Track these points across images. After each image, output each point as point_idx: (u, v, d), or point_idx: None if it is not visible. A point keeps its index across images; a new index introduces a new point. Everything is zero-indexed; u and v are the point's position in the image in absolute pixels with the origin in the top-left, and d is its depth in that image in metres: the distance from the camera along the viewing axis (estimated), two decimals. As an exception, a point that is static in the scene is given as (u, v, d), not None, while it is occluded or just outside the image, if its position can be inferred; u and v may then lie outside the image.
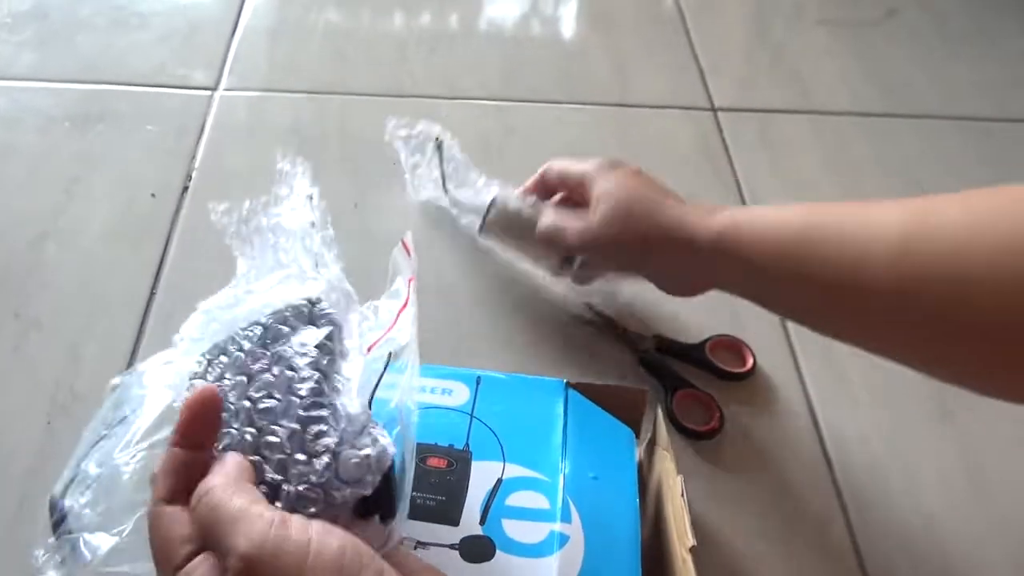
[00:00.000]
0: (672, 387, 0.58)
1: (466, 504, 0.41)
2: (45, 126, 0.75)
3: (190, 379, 0.35)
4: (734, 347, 0.61)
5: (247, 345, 0.35)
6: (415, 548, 0.39)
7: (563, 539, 0.39)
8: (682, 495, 0.41)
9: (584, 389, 0.47)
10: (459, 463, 0.43)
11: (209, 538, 0.28)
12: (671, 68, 0.87)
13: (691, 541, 0.39)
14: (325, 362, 0.34)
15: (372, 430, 0.32)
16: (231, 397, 0.33)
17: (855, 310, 0.41)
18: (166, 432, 0.34)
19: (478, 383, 0.47)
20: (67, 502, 0.33)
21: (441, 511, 0.40)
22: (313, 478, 0.30)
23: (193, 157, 0.73)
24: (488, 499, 0.41)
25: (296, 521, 0.27)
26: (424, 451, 0.43)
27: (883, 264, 0.38)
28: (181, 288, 0.63)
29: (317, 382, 0.32)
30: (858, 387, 0.59)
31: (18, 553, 0.48)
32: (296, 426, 0.31)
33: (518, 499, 0.41)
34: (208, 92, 0.80)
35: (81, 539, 0.32)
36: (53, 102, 0.78)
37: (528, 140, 0.77)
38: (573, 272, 0.59)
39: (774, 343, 0.62)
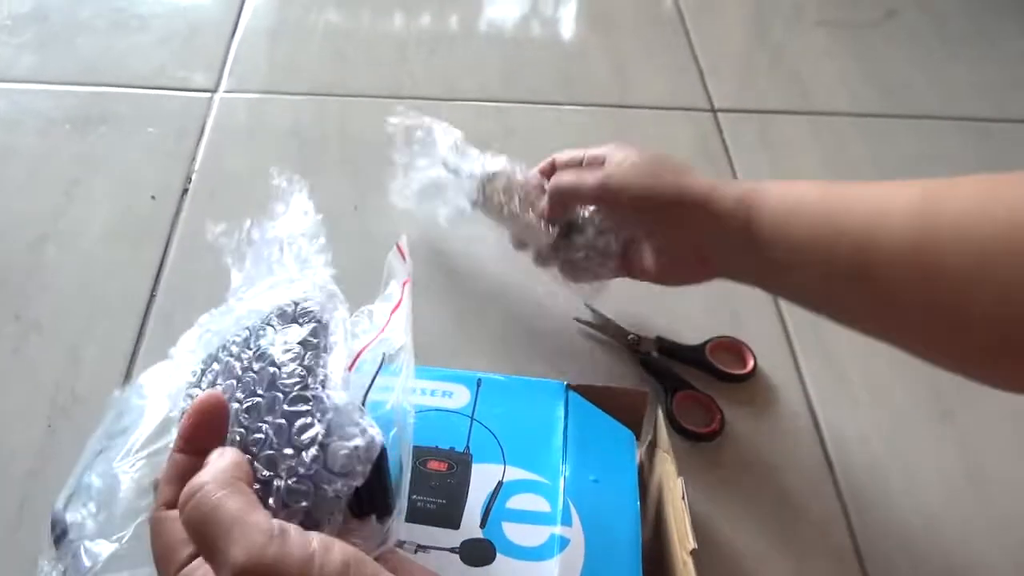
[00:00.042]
0: (672, 389, 0.58)
1: (466, 507, 0.41)
2: (45, 128, 0.75)
3: (186, 390, 0.35)
4: (734, 349, 0.61)
5: (235, 350, 0.35)
6: (415, 552, 0.39)
7: (564, 542, 0.39)
8: (683, 497, 0.41)
9: (584, 391, 0.47)
10: (459, 466, 0.43)
11: (200, 544, 0.26)
12: (671, 69, 0.87)
13: (692, 544, 0.39)
14: (308, 357, 0.33)
15: (360, 420, 0.32)
16: None
17: (871, 279, 0.39)
18: (165, 441, 0.34)
19: (478, 385, 0.47)
20: (69, 517, 0.33)
21: (441, 514, 0.40)
22: (301, 470, 0.30)
23: (193, 159, 0.73)
24: (489, 502, 0.41)
25: (296, 534, 0.26)
26: (424, 454, 0.43)
27: (901, 227, 0.37)
28: (181, 290, 0.63)
29: (300, 376, 0.32)
30: (858, 388, 0.59)
31: (18, 554, 0.48)
32: (282, 421, 0.31)
33: (519, 502, 0.41)
34: (208, 94, 0.80)
35: (82, 547, 0.31)
36: (53, 104, 0.78)
37: (528, 141, 0.77)
38: (562, 254, 0.57)
39: (774, 344, 0.62)
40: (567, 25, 0.93)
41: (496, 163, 0.59)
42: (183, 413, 0.32)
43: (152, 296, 0.62)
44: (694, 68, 0.87)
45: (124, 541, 0.32)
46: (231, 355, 0.35)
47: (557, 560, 0.39)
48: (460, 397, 0.46)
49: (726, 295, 0.64)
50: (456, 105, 0.80)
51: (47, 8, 0.88)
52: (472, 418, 0.45)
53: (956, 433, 0.57)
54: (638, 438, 0.47)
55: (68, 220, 0.68)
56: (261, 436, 0.31)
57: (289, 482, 0.30)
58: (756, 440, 0.56)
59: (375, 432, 0.31)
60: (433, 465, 0.43)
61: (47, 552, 0.32)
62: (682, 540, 0.40)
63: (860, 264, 0.39)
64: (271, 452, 0.31)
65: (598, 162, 0.53)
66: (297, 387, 0.32)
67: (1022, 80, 0.87)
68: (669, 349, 0.60)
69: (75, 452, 0.36)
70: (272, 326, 0.35)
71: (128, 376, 0.57)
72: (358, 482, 0.31)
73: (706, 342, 0.61)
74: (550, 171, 0.58)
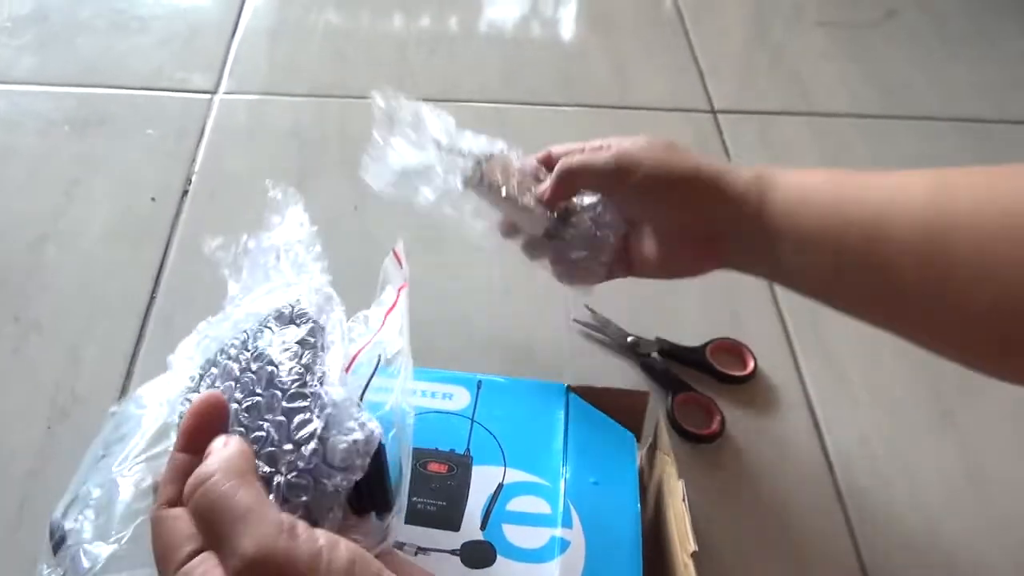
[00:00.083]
0: (673, 391, 0.58)
1: (467, 509, 0.41)
2: (45, 129, 0.75)
3: (185, 395, 0.35)
4: (735, 350, 0.61)
5: (233, 352, 0.35)
6: (415, 554, 0.39)
7: (564, 544, 0.39)
8: (683, 499, 0.41)
9: (585, 393, 0.47)
10: (460, 468, 0.43)
11: (208, 533, 0.26)
12: (671, 70, 0.87)
13: (692, 546, 0.39)
14: (306, 355, 0.33)
15: (358, 415, 0.32)
16: None
17: (880, 268, 0.39)
18: (163, 446, 0.34)
19: (479, 387, 0.47)
20: (67, 524, 0.33)
21: (442, 516, 0.40)
22: (301, 464, 0.30)
23: (193, 160, 0.73)
24: (489, 504, 0.41)
25: (304, 529, 0.26)
26: (425, 456, 0.43)
27: (913, 216, 0.37)
28: (181, 291, 0.63)
29: (299, 374, 0.32)
30: (858, 388, 0.59)
31: (18, 554, 0.48)
32: (281, 418, 0.31)
33: (519, 504, 0.41)
34: (208, 95, 0.80)
35: (81, 549, 0.31)
36: (53, 105, 0.78)
37: (528, 142, 0.76)
38: (556, 244, 0.54)
39: (775, 345, 0.62)
40: (567, 26, 0.93)
41: (494, 145, 0.57)
42: (182, 417, 0.32)
43: (152, 297, 0.62)
44: (694, 69, 0.87)
45: (123, 542, 0.32)
46: (229, 357, 0.35)
47: (558, 562, 0.39)
48: (460, 399, 0.46)
49: (726, 296, 0.64)
50: (456, 106, 0.80)
51: (47, 9, 0.88)
52: (472, 420, 0.45)
53: (956, 433, 0.57)
54: (638, 440, 0.47)
55: (68, 221, 0.68)
56: (262, 434, 0.31)
57: (289, 477, 0.30)
58: (757, 441, 0.56)
59: (374, 426, 0.31)
60: (433, 467, 0.43)
61: (44, 557, 0.32)
62: (683, 542, 0.40)
63: (870, 252, 0.39)
64: (272, 449, 0.31)
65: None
66: (295, 384, 0.32)
67: (1022, 80, 0.87)
68: (669, 351, 0.60)
69: (75, 453, 0.36)
70: (269, 328, 0.35)
71: (128, 377, 0.57)
72: (357, 476, 0.31)
73: (706, 344, 0.61)
74: (546, 162, 0.57)
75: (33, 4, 0.89)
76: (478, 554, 0.39)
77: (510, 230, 0.56)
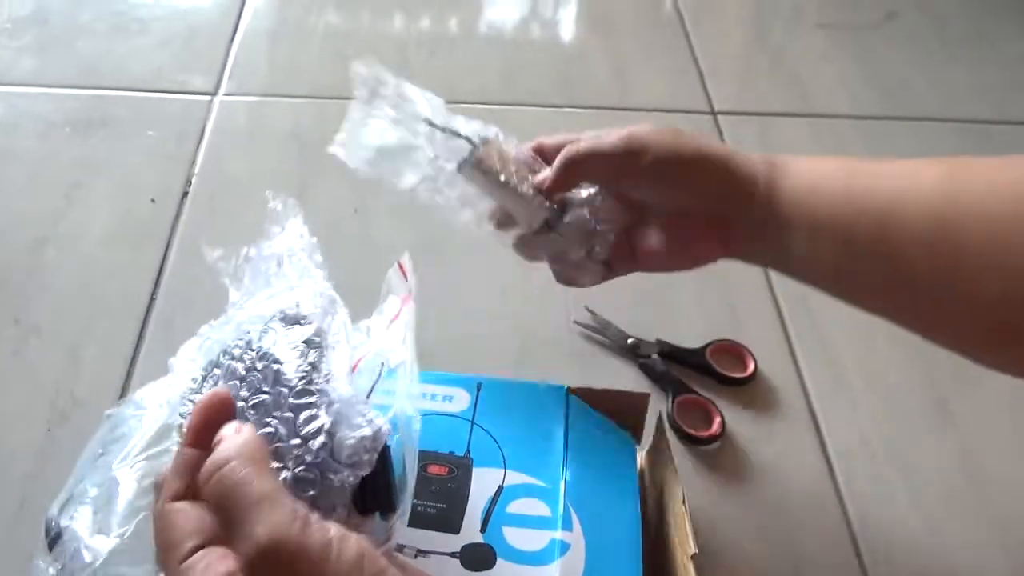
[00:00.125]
0: (673, 392, 0.57)
1: (467, 512, 0.41)
2: (45, 131, 0.75)
3: (187, 396, 0.35)
4: (735, 352, 0.61)
5: (237, 352, 0.35)
6: (415, 556, 0.39)
7: (564, 547, 0.39)
8: (683, 501, 0.41)
9: (585, 395, 0.47)
10: (460, 470, 0.43)
11: (223, 517, 0.26)
12: (671, 71, 0.87)
13: (693, 548, 0.39)
14: (312, 354, 0.33)
15: (366, 411, 0.32)
16: None
17: (890, 256, 0.39)
18: (164, 446, 0.34)
19: (479, 389, 0.47)
20: (63, 521, 0.33)
21: (442, 519, 0.40)
22: (308, 458, 0.30)
23: (193, 162, 0.73)
24: (489, 506, 0.41)
25: (316, 520, 0.27)
26: (425, 458, 0.43)
27: (924, 206, 0.37)
28: (181, 293, 0.63)
29: (305, 371, 0.32)
30: (858, 390, 0.59)
31: (17, 555, 0.48)
32: (289, 414, 0.31)
33: (519, 506, 0.41)
34: (208, 97, 0.80)
35: (82, 543, 0.32)
36: (53, 107, 0.78)
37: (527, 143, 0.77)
38: (552, 237, 0.50)
39: (775, 347, 0.62)
40: (567, 27, 0.93)
41: (488, 130, 0.53)
42: (184, 418, 0.32)
43: (152, 299, 0.62)
44: (694, 70, 0.87)
45: (126, 536, 0.32)
46: (233, 358, 0.35)
47: (558, 564, 0.39)
48: (460, 401, 0.46)
49: (726, 298, 0.64)
50: (456, 107, 0.80)
51: (47, 11, 0.88)
52: (472, 422, 0.45)
53: (956, 433, 0.57)
54: (638, 442, 0.47)
55: (68, 223, 0.68)
56: (270, 431, 0.31)
57: (296, 471, 0.30)
58: (757, 443, 0.56)
59: (382, 422, 0.32)
60: (433, 469, 0.42)
61: (41, 553, 0.32)
62: (683, 544, 0.40)
63: (880, 241, 0.39)
64: (279, 445, 0.31)
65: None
66: (302, 381, 0.32)
67: (1022, 82, 0.87)
68: (669, 352, 0.60)
69: (74, 454, 0.36)
70: (274, 329, 0.35)
71: (128, 379, 0.57)
72: (364, 472, 0.31)
73: (706, 345, 0.60)
74: (538, 153, 0.53)
75: (33, 6, 0.89)
76: (478, 557, 0.39)
77: (505, 221, 0.52)
